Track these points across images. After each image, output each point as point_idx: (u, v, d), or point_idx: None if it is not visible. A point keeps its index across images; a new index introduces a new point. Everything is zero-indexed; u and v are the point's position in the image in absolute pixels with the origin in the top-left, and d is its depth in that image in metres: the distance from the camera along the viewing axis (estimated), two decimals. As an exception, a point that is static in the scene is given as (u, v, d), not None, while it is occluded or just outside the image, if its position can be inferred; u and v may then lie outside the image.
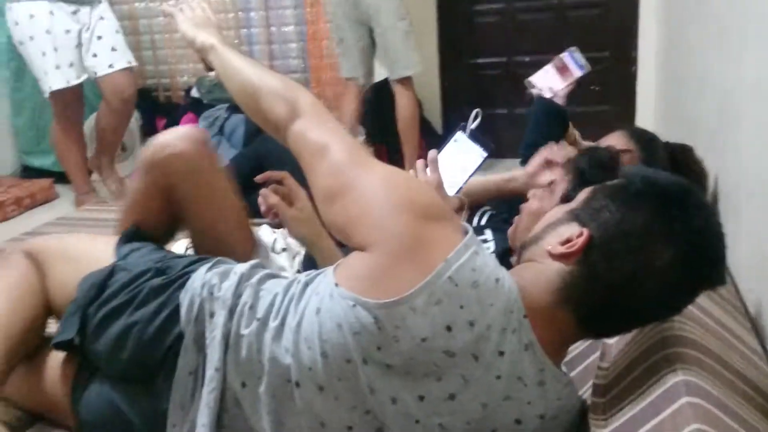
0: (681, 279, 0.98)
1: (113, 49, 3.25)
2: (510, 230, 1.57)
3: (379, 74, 3.69)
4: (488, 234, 1.73)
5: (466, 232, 1.04)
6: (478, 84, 4.15)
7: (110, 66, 3.23)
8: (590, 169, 1.50)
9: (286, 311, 1.10)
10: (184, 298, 1.21)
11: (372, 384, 1.00)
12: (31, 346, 1.40)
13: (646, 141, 2.10)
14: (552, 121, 2.11)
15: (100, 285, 1.29)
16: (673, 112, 3.00)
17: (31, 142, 3.93)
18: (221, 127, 3.90)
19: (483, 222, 1.83)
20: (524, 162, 2.08)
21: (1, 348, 1.33)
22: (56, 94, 3.19)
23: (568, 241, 1.02)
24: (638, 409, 0.96)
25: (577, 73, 2.17)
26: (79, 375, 1.30)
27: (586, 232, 1.00)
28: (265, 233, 1.78)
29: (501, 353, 0.97)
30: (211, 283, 1.20)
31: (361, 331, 0.98)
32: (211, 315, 1.17)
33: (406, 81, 3.43)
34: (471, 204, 1.82)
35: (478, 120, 1.54)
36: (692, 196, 1.00)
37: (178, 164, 1.42)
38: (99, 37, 3.22)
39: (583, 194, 1.09)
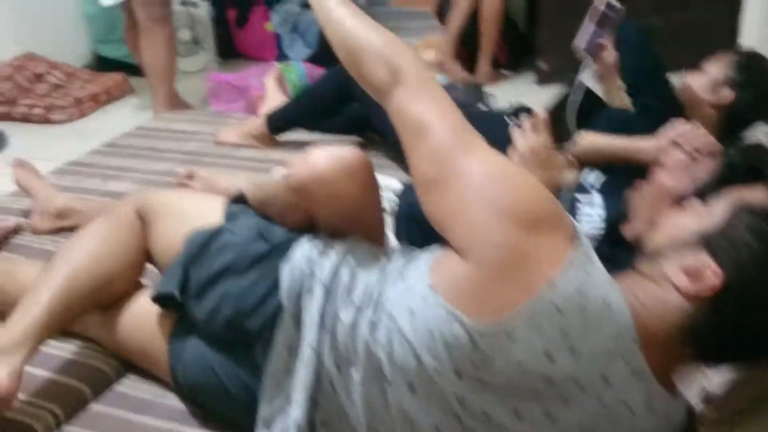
0: None
1: None
2: (631, 196, 1.48)
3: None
4: (596, 197, 1.63)
5: (575, 237, 0.95)
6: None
7: None
8: (743, 170, 1.34)
9: (381, 303, 1.06)
10: (285, 270, 1.18)
11: (464, 396, 0.96)
12: (125, 291, 1.41)
13: (757, 75, 1.94)
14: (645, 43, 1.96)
15: (204, 244, 1.27)
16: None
17: (104, 31, 3.88)
18: (295, 24, 3.78)
19: (592, 181, 1.72)
20: (631, 90, 1.94)
21: (92, 283, 1.34)
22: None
23: (695, 273, 0.91)
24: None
25: (614, 17, 1.97)
26: (177, 331, 1.31)
27: (719, 273, 0.89)
28: None
29: (605, 379, 0.91)
30: (311, 258, 1.17)
31: (454, 344, 0.93)
32: (310, 292, 1.14)
33: None
34: (587, 161, 1.72)
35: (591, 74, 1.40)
36: None
37: (333, 204, 1.23)
38: None
39: (719, 210, 0.96)
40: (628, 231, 1.46)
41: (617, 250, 1.46)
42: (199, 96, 3.44)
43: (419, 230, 1.61)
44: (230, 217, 1.33)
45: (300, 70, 3.41)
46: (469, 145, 1.03)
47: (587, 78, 1.38)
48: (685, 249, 0.94)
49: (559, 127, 1.40)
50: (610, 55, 2.07)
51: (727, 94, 1.93)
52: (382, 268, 1.12)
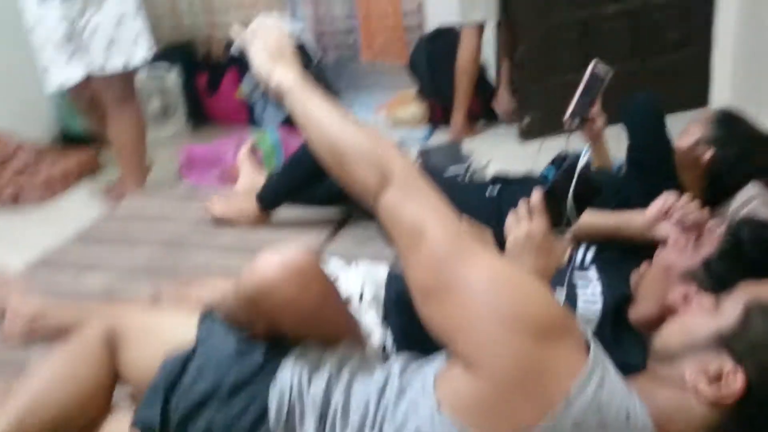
0: None
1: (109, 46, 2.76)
2: (634, 278, 1.45)
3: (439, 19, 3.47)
4: (592, 272, 1.60)
5: (588, 346, 0.91)
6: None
7: (101, 67, 2.78)
8: (750, 247, 1.33)
9: (381, 424, 1.01)
10: (273, 396, 1.12)
11: None
12: (94, 419, 1.34)
13: (736, 131, 1.93)
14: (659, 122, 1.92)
15: (178, 371, 1.21)
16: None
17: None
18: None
19: (588, 258, 1.68)
20: (636, 164, 1.90)
21: (55, 413, 1.28)
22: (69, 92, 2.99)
23: (716, 377, 0.88)
24: None
25: (602, 79, 1.98)
26: None
27: (741, 375, 0.86)
28: (351, 280, 1.63)
29: None
30: (300, 382, 1.12)
31: None
32: (301, 419, 1.09)
33: (479, 28, 3.35)
34: (581, 240, 1.68)
35: (585, 156, 1.36)
36: None
37: (287, 311, 1.18)
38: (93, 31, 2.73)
39: (733, 309, 0.93)
40: (633, 315, 1.42)
41: (619, 332, 1.42)
42: (172, 168, 3.36)
43: (410, 320, 1.57)
44: (203, 335, 1.27)
45: (274, 138, 3.37)
46: (467, 248, 0.98)
47: (583, 160, 1.34)
48: (703, 351, 0.91)
49: (554, 210, 1.35)
50: (600, 122, 2.06)
51: (708, 153, 1.91)
52: (379, 389, 1.06)
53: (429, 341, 1.50)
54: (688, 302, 1.05)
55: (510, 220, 1.38)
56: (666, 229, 1.61)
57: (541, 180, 2.18)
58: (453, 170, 2.77)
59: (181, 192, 3.02)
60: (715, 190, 1.93)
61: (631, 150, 1.92)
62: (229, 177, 3.22)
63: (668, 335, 1.00)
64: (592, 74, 1.97)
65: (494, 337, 0.89)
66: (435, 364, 1.03)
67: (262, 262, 1.18)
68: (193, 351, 1.24)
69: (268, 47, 1.24)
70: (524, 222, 1.35)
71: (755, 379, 0.87)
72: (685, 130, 1.99)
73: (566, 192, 1.34)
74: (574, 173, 1.34)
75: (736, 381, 0.87)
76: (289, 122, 3.61)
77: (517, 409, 0.86)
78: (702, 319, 0.97)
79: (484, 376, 0.89)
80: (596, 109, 2.02)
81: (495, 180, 2.21)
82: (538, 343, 0.87)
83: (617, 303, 1.48)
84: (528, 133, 3.58)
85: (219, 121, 4.10)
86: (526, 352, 0.87)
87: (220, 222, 2.52)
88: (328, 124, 1.11)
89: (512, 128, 3.69)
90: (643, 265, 1.47)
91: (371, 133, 1.11)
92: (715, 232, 1.44)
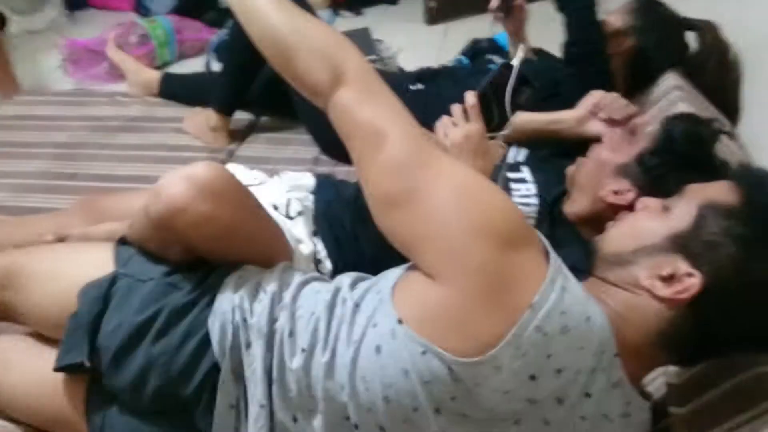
0: None
1: None
2: (570, 170, 1.48)
3: None
4: (525, 172, 1.58)
5: (547, 253, 0.90)
6: None
7: None
8: (683, 142, 1.34)
9: (335, 342, 0.97)
10: (214, 324, 1.06)
11: (444, 429, 0.89)
12: None
13: (655, 19, 1.93)
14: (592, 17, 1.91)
15: (103, 296, 1.12)
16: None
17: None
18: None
19: (520, 158, 1.66)
20: (571, 60, 1.88)
21: None
22: None
23: (670, 277, 0.88)
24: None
25: None
26: (94, 400, 1.15)
27: (699, 277, 0.87)
28: (277, 193, 1.55)
29: (588, 395, 0.88)
30: (242, 307, 1.06)
31: (432, 380, 0.86)
32: (248, 345, 1.04)
33: None
34: (510, 140, 1.65)
35: (520, 56, 1.31)
36: None
37: (202, 231, 1.11)
38: None
39: (685, 211, 0.93)
40: (569, 208, 1.46)
41: (555, 229, 1.43)
42: (52, 63, 3.07)
43: (342, 229, 1.53)
44: (123, 261, 1.18)
45: (167, 26, 3.12)
46: (430, 154, 0.95)
47: (518, 61, 1.30)
48: (657, 254, 0.91)
49: (489, 111, 1.32)
50: (525, 11, 2.02)
51: (629, 41, 1.93)
52: (328, 305, 1.02)
53: (363, 250, 1.49)
54: (633, 205, 1.04)
55: (445, 121, 1.35)
56: (596, 126, 1.63)
57: (465, 75, 2.12)
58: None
59: (70, 92, 2.78)
60: (638, 77, 1.95)
61: (568, 45, 1.91)
62: (118, 71, 2.99)
63: (618, 239, 0.99)
64: None
65: (461, 246, 0.87)
66: (390, 277, 0.98)
67: (167, 183, 1.10)
68: (113, 281, 1.14)
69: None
70: (461, 124, 1.32)
71: (711, 279, 0.87)
72: (606, 20, 1.98)
73: (501, 94, 1.30)
74: (508, 75, 1.30)
75: (693, 282, 0.87)
76: (181, 10, 3.35)
77: (485, 318, 0.84)
78: (652, 222, 0.96)
79: (451, 286, 0.86)
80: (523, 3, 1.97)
81: (420, 76, 2.14)
82: (503, 252, 0.86)
83: (553, 200, 1.49)
84: (435, 17, 3.50)
85: (100, 6, 3.77)
86: (492, 260, 0.85)
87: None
88: (273, 15, 1.04)
89: (416, 8, 3.58)
90: (578, 161, 1.48)
91: (322, 27, 1.04)
92: (647, 129, 1.45)
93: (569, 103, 1.74)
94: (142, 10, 3.57)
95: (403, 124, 0.96)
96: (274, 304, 1.06)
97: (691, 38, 1.97)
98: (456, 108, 1.34)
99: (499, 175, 1.51)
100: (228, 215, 1.11)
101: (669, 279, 0.89)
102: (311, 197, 1.59)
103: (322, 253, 1.49)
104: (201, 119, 2.32)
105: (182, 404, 1.07)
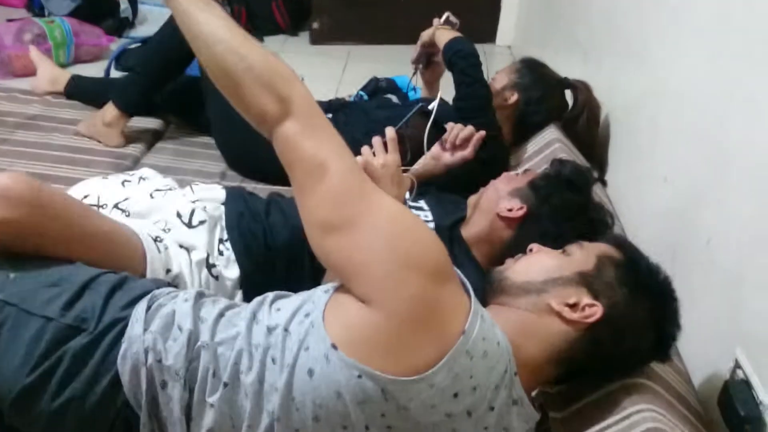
0: (653, 356, 1.14)
1: None
2: (472, 198, 1.67)
3: None
4: (422, 203, 1.74)
5: (464, 285, 1.03)
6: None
7: None
8: (570, 171, 1.57)
9: (263, 369, 1.02)
10: (124, 367, 1.05)
11: None
12: None
13: (537, 77, 2.17)
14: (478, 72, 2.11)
15: None
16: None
17: None
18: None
19: (415, 193, 1.81)
20: (462, 114, 2.04)
21: None
22: None
23: (574, 305, 1.07)
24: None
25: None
26: None
27: (600, 307, 1.06)
28: (181, 202, 1.60)
29: (491, 408, 1.00)
30: (155, 349, 1.05)
31: (365, 400, 0.94)
32: (163, 386, 1.05)
33: None
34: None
35: (436, 104, 1.48)
36: (673, 290, 1.12)
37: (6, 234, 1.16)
38: None
39: (585, 257, 1.12)
40: (468, 231, 1.63)
41: (453, 248, 1.60)
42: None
43: (254, 239, 1.61)
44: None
45: (66, 29, 3.08)
46: (367, 187, 1.03)
47: (434, 106, 1.48)
48: (566, 286, 1.09)
49: (403, 147, 1.49)
50: (440, 67, 2.26)
51: (514, 96, 2.16)
52: (246, 332, 1.05)
53: (274, 261, 1.57)
54: (535, 250, 1.21)
55: (365, 151, 1.47)
56: (447, 156, 1.81)
57: (371, 108, 2.28)
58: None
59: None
60: (521, 130, 2.18)
61: (458, 100, 2.08)
62: (11, 67, 2.92)
63: (527, 271, 1.14)
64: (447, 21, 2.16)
65: (395, 276, 0.95)
66: (317, 301, 1.04)
67: None
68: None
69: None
70: (380, 154, 1.46)
71: (607, 312, 1.06)
72: (494, 77, 2.23)
73: (418, 133, 1.46)
74: (425, 119, 1.48)
75: (596, 310, 1.05)
76: (79, 14, 3.31)
77: (420, 341, 0.93)
78: (558, 260, 1.14)
79: (385, 312, 0.94)
80: (440, 54, 2.16)
81: (329, 107, 2.26)
82: (434, 283, 0.95)
83: (451, 224, 1.66)
84: (318, 39, 3.88)
85: (-11, 0, 3.64)
86: (424, 290, 0.94)
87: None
88: (223, 38, 1.06)
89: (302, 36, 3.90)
90: (480, 190, 1.67)
91: (268, 55, 1.07)
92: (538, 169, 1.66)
93: None
94: (36, 8, 3.48)
95: (343, 157, 1.03)
96: (191, 344, 1.05)
97: (568, 97, 2.23)
98: (377, 140, 1.47)
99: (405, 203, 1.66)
100: (27, 219, 1.15)
101: (573, 306, 1.07)
102: (222, 208, 1.66)
103: (231, 258, 1.56)
104: (97, 115, 2.30)
105: None
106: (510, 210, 1.55)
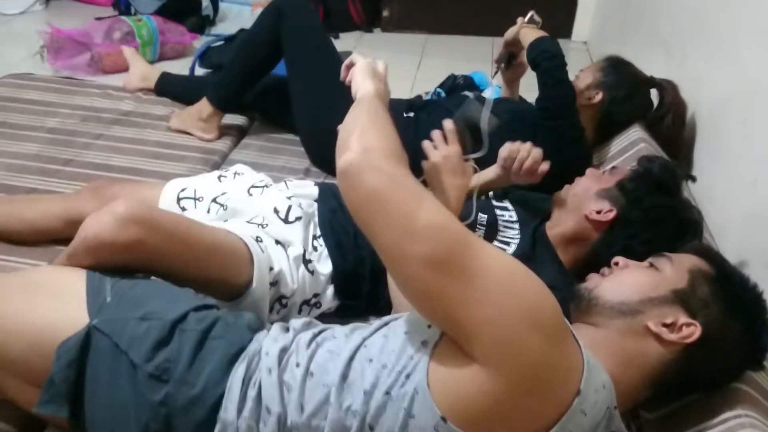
0: (746, 368, 1.14)
1: None
2: (557, 195, 1.65)
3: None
4: (506, 202, 1.76)
5: (573, 334, 0.97)
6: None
7: None
8: (659, 171, 1.54)
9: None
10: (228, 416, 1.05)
11: None
12: None
13: (623, 76, 2.14)
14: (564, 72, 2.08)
15: (77, 361, 1.09)
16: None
17: None
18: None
19: (500, 194, 1.83)
20: (545, 114, 2.06)
21: None
22: None
23: (672, 325, 1.05)
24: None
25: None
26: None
27: (698, 326, 1.05)
28: (279, 198, 1.66)
29: None
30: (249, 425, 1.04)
31: None
32: (264, 423, 1.04)
33: None
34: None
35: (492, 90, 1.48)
36: (764, 301, 1.11)
37: (129, 257, 1.24)
38: None
39: (677, 273, 1.11)
40: (552, 230, 1.63)
41: (536, 246, 1.61)
42: (31, 49, 3.10)
43: (346, 236, 1.65)
44: (96, 306, 1.14)
45: (152, 27, 3.19)
46: (467, 231, 0.96)
47: (489, 93, 1.48)
48: (662, 306, 1.08)
49: (463, 137, 1.49)
50: (521, 68, 2.26)
51: (599, 95, 2.13)
52: (335, 395, 1.00)
53: (363, 257, 1.61)
54: (623, 265, 1.19)
55: (426, 144, 1.50)
56: (513, 177, 1.69)
57: (452, 106, 2.29)
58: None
59: (56, 80, 2.81)
60: (605, 129, 2.16)
61: (542, 101, 2.07)
62: (99, 64, 3.04)
63: (620, 289, 1.12)
64: (531, 20, 2.16)
65: (518, 339, 0.88)
66: (416, 358, 0.98)
67: (90, 221, 1.23)
68: (87, 335, 1.11)
69: (372, 69, 1.33)
70: (441, 147, 1.47)
71: (704, 329, 1.04)
72: (578, 76, 2.20)
73: (475, 122, 1.48)
74: (480, 107, 1.49)
75: (692, 329, 1.04)
76: (164, 12, 3.42)
77: (535, 407, 0.89)
78: (651, 277, 1.12)
79: (503, 377, 0.88)
80: (524, 54, 2.16)
81: (411, 105, 2.29)
82: (554, 344, 0.90)
83: (536, 224, 1.67)
84: (388, 26, 3.99)
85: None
86: (546, 355, 0.89)
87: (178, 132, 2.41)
88: (373, 122, 1.10)
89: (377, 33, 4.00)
90: (565, 188, 1.66)
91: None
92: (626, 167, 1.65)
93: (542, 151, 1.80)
94: (122, 6, 3.61)
95: (435, 199, 0.98)
96: (281, 427, 1.03)
97: (653, 96, 2.20)
98: (436, 133, 1.49)
99: (472, 196, 1.66)
100: (149, 238, 1.22)
101: (670, 326, 1.05)
102: (315, 205, 1.72)
103: (323, 253, 1.61)
104: (192, 111, 2.39)
105: None
106: (599, 212, 1.54)
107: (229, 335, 1.14)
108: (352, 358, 1.04)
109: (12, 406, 1.24)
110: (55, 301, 1.16)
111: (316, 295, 1.57)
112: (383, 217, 0.95)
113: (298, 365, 1.06)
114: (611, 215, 1.53)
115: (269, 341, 1.12)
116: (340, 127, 1.10)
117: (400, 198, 0.95)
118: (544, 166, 1.61)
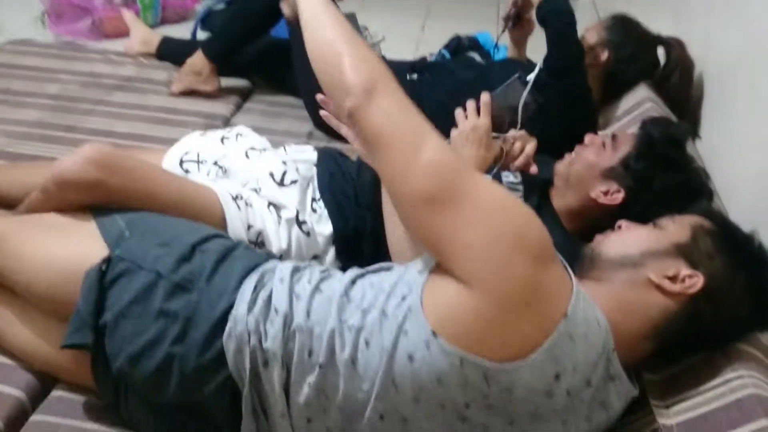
0: (752, 326, 1.12)
1: None
2: (558, 166, 1.61)
3: None
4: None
5: (565, 266, 1.01)
6: None
7: None
8: (661, 144, 1.51)
9: (355, 351, 1.03)
10: (229, 346, 1.10)
11: (467, 417, 0.98)
12: None
13: (629, 34, 2.11)
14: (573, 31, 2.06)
15: (101, 289, 1.16)
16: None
17: None
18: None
19: None
20: (552, 72, 1.99)
21: None
22: None
23: (674, 277, 1.05)
24: (707, 410, 1.05)
25: None
26: (101, 371, 1.18)
27: (701, 277, 1.04)
28: (275, 162, 1.66)
29: (588, 383, 0.99)
30: (258, 331, 1.09)
31: (466, 385, 0.95)
32: (265, 365, 1.09)
33: None
34: None
35: (536, 72, 1.48)
36: None
37: (92, 196, 1.32)
38: None
39: (681, 229, 1.11)
40: (557, 201, 1.62)
41: (540, 211, 1.59)
42: (32, 15, 3.08)
43: (346, 199, 1.65)
44: (114, 239, 1.23)
45: (153, -10, 3.15)
46: (467, 165, 1.04)
47: (533, 77, 1.49)
48: (663, 258, 1.08)
49: (498, 114, 1.50)
50: (530, 25, 2.23)
51: (605, 54, 2.10)
52: (338, 313, 1.06)
53: (365, 218, 1.61)
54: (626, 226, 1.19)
55: (459, 112, 1.50)
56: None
57: (456, 68, 2.27)
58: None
59: (57, 45, 2.79)
60: (611, 88, 2.13)
61: (550, 59, 2.03)
62: (101, 29, 3.02)
63: (623, 245, 1.14)
64: None
65: (502, 257, 0.93)
66: (412, 281, 1.04)
67: (59, 162, 1.33)
68: (108, 263, 1.18)
69: None
70: (472, 116, 1.48)
71: (707, 280, 1.04)
72: (583, 35, 2.16)
73: (512, 102, 1.49)
74: (521, 88, 1.51)
75: (694, 280, 1.04)
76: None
77: (522, 325, 0.93)
78: (653, 234, 1.13)
79: (489, 295, 0.93)
80: (533, 11, 2.13)
81: (414, 67, 2.27)
82: (539, 265, 0.95)
83: (540, 185, 1.65)
84: None
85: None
86: (532, 275, 0.93)
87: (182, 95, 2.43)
88: (335, 28, 1.13)
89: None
90: (565, 158, 1.63)
91: (373, 51, 1.14)
92: (628, 133, 1.61)
93: (547, 111, 1.80)
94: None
95: (438, 137, 1.03)
96: (287, 326, 1.08)
97: (660, 54, 2.17)
98: (470, 103, 1.49)
99: (491, 170, 1.65)
100: (111, 181, 1.31)
101: (673, 278, 1.05)
102: (314, 169, 1.71)
103: (323, 215, 1.61)
104: (186, 68, 2.40)
105: (200, 402, 1.12)
106: (606, 193, 1.51)
107: (249, 254, 1.25)
108: (354, 282, 1.12)
109: (20, 371, 1.29)
110: (74, 237, 1.27)
111: (315, 257, 1.57)
112: (388, 153, 1.03)
113: (309, 282, 1.13)
114: (619, 197, 1.50)
115: (284, 264, 1.20)
116: (313, 51, 1.14)
117: (403, 137, 1.02)
118: (534, 169, 1.58)
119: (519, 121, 1.48)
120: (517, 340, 0.93)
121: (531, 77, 1.47)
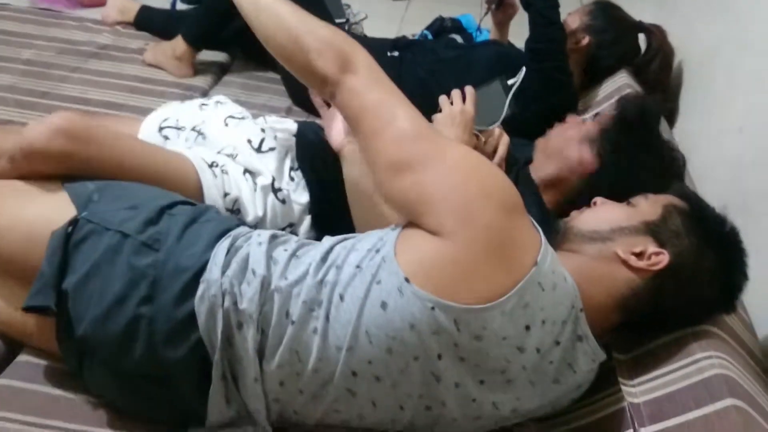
0: (718, 307, 1.14)
1: None
2: (539, 141, 1.67)
3: None
4: None
5: (532, 222, 1.05)
6: None
7: None
8: (635, 117, 1.54)
9: (329, 305, 1.04)
10: (200, 308, 1.08)
11: (440, 373, 1.01)
12: None
13: (611, 20, 2.11)
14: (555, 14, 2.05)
15: (63, 250, 1.13)
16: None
17: None
18: None
19: None
20: (534, 56, 2.02)
21: None
22: None
23: (641, 254, 1.08)
24: (674, 389, 1.07)
25: None
26: (65, 338, 1.15)
27: (667, 255, 1.07)
28: (253, 130, 1.64)
29: (557, 342, 1.03)
30: (232, 292, 1.08)
31: (438, 331, 0.97)
32: (239, 327, 1.07)
33: None
34: None
35: (520, 78, 1.50)
36: (740, 240, 1.13)
37: (62, 165, 1.27)
38: None
39: (651, 207, 1.13)
40: (535, 173, 1.65)
41: (519, 185, 1.60)
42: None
43: (324, 169, 1.63)
44: (82, 202, 1.20)
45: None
46: (435, 132, 1.10)
47: (518, 80, 1.52)
48: (632, 235, 1.11)
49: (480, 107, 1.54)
50: (512, 8, 2.23)
51: (586, 39, 2.11)
52: (317, 271, 1.07)
53: (343, 189, 1.60)
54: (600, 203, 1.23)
55: (444, 98, 1.53)
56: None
57: (438, 48, 2.26)
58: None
59: (32, 11, 2.73)
60: (592, 73, 2.15)
61: (532, 42, 2.04)
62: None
63: (595, 220, 1.17)
64: None
65: (470, 205, 0.98)
66: (387, 239, 1.06)
67: (28, 130, 1.28)
68: (74, 224, 1.16)
69: None
70: (458, 102, 1.50)
71: (672, 260, 1.07)
72: (565, 20, 2.15)
73: (495, 106, 1.57)
74: (507, 88, 1.58)
75: (660, 257, 1.07)
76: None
77: (492, 270, 0.96)
78: (624, 210, 1.16)
79: (459, 241, 0.97)
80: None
81: (396, 44, 2.25)
82: (507, 216, 0.99)
83: (519, 165, 1.67)
84: None
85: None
86: (498, 220, 0.98)
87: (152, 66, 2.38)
88: (283, 10, 1.17)
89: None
90: (547, 133, 1.67)
91: (329, 25, 1.16)
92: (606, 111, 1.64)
93: (528, 93, 1.81)
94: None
95: (410, 108, 1.09)
96: (264, 289, 1.07)
97: (641, 42, 2.17)
98: (456, 91, 1.52)
99: None
100: (79, 151, 1.27)
101: (639, 255, 1.08)
102: (293, 139, 1.69)
103: (301, 184, 1.60)
104: (166, 47, 2.35)
105: (167, 369, 1.09)
106: (581, 160, 1.55)
107: (219, 218, 1.25)
108: (333, 246, 1.13)
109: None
110: (41, 200, 1.23)
111: (291, 225, 1.57)
112: (365, 127, 1.09)
113: (285, 250, 1.14)
114: (594, 166, 1.53)
115: (262, 231, 1.20)
116: (269, 44, 1.17)
117: (377, 112, 1.08)
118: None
119: (495, 121, 1.51)
120: (487, 285, 0.96)
121: (516, 80, 1.51)
